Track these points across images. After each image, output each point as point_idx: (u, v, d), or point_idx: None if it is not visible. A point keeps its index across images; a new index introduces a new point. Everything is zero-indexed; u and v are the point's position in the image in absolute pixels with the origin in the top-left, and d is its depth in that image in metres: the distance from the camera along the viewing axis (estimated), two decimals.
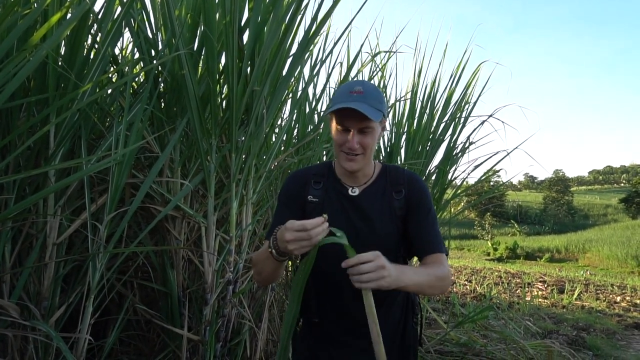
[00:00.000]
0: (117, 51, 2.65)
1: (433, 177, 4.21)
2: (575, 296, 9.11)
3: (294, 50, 2.53)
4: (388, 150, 4.08)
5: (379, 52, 4.02)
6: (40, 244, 1.94)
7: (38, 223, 1.99)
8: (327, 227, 1.14)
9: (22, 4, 1.70)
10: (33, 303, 1.92)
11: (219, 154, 2.38)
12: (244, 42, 2.30)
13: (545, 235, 38.71)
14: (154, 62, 2.32)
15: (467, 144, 4.25)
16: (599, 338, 5.48)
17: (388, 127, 4.14)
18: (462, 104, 4.18)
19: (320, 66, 3.20)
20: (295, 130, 3.33)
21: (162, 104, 2.48)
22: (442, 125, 4.12)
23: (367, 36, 3.81)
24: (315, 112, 3.46)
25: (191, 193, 2.48)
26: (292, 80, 2.82)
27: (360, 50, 3.66)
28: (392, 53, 4.02)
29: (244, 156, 2.44)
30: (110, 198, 2.00)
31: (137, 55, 2.50)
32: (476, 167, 4.25)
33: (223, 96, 2.55)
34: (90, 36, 2.07)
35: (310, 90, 3.41)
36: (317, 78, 3.41)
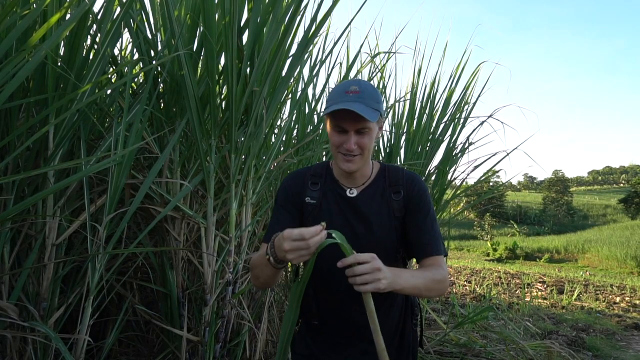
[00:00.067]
0: (116, 52, 2.65)
1: (433, 178, 4.21)
2: (574, 297, 9.12)
3: (293, 50, 2.53)
4: (388, 150, 4.08)
5: (379, 53, 4.03)
6: (40, 244, 1.93)
7: (37, 224, 1.98)
8: (325, 235, 1.12)
9: (21, 4, 1.70)
10: (32, 304, 1.92)
11: (219, 155, 2.38)
12: (244, 42, 2.30)
13: (545, 235, 38.73)
14: (154, 62, 2.31)
15: (467, 145, 4.25)
16: (598, 338, 5.48)
17: (387, 127, 4.14)
18: (462, 105, 4.18)
19: (320, 67, 3.21)
20: (295, 131, 3.32)
21: (162, 105, 2.48)
22: (442, 125, 4.12)
23: (366, 37, 3.81)
24: (315, 113, 3.46)
25: (191, 194, 2.48)
26: (291, 80, 2.82)
27: (359, 50, 3.66)
28: (391, 53, 4.02)
29: (243, 157, 2.44)
30: (110, 199, 2.00)
31: (136, 56, 2.50)
32: (476, 167, 4.24)
33: (222, 97, 2.54)
34: (89, 37, 2.07)
35: (310, 90, 3.41)
36: (317, 78, 3.41)
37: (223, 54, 2.22)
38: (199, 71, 2.47)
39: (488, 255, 28.99)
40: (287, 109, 3.25)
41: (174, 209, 2.33)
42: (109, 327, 2.52)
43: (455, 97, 4.17)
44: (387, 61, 4.11)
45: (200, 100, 2.22)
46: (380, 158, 4.06)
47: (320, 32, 2.78)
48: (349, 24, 2.68)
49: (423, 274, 1.32)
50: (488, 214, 41.58)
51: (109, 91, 2.36)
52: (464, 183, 4.54)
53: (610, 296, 9.89)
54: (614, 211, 52.71)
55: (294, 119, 3.20)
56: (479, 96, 4.25)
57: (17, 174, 1.87)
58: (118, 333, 2.31)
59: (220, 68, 2.36)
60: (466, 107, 4.23)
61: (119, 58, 2.75)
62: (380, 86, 4.12)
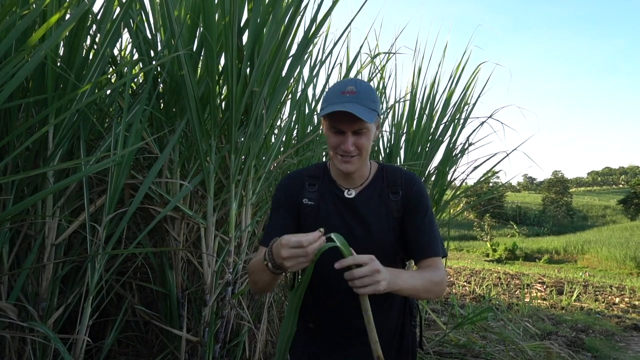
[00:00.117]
0: (116, 52, 2.64)
1: (432, 178, 4.21)
2: (574, 297, 9.12)
3: (293, 51, 2.53)
4: (388, 151, 4.08)
5: (379, 53, 4.03)
6: (39, 244, 1.93)
7: (36, 224, 1.98)
8: (324, 241, 1.11)
9: (20, 4, 1.70)
10: (31, 304, 1.92)
11: (219, 155, 2.38)
12: (244, 42, 2.30)
13: (544, 236, 38.73)
14: (153, 62, 2.31)
15: (467, 145, 4.25)
16: (597, 339, 5.48)
17: (387, 128, 4.14)
18: (462, 105, 4.18)
19: (320, 67, 3.21)
20: (295, 131, 3.32)
21: (162, 105, 2.47)
22: (442, 126, 4.12)
23: (366, 37, 3.81)
24: (315, 113, 3.46)
25: (190, 194, 2.48)
26: (291, 81, 2.81)
27: (359, 51, 3.66)
28: (391, 54, 4.02)
29: (243, 157, 2.44)
30: (109, 199, 2.00)
31: (136, 56, 2.50)
32: (475, 168, 4.25)
33: (222, 97, 2.54)
34: (89, 37, 2.07)
35: (310, 91, 3.41)
36: (317, 79, 3.41)
37: (223, 54, 2.22)
38: (199, 71, 2.47)
39: (488, 255, 28.98)
40: (287, 109, 3.25)
41: (174, 209, 2.32)
42: (108, 328, 2.52)
43: (455, 98, 4.18)
44: (387, 62, 4.11)
45: (200, 100, 2.22)
46: (380, 158, 4.06)
47: (320, 32, 2.78)
48: (349, 24, 2.68)
49: (421, 275, 1.31)
50: (488, 214, 41.59)
51: (108, 91, 2.36)
52: (464, 184, 4.55)
53: (609, 297, 9.90)
54: (613, 212, 52.74)
55: (293, 119, 3.20)
56: (478, 97, 4.25)
57: (17, 174, 1.87)
58: (117, 333, 2.30)
59: (220, 68, 2.36)
60: (466, 107, 4.23)
61: (118, 58, 2.75)
62: (380, 87, 4.12)
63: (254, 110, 2.32)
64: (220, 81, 2.43)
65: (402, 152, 4.08)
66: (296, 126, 3.30)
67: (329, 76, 3.49)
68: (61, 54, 1.97)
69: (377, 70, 4.06)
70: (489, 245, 30.62)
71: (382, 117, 1.44)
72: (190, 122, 2.21)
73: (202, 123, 2.22)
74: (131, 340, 2.69)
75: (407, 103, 4.16)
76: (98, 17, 2.04)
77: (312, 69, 3.23)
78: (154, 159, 2.38)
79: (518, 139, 3.89)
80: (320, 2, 2.36)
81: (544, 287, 11.01)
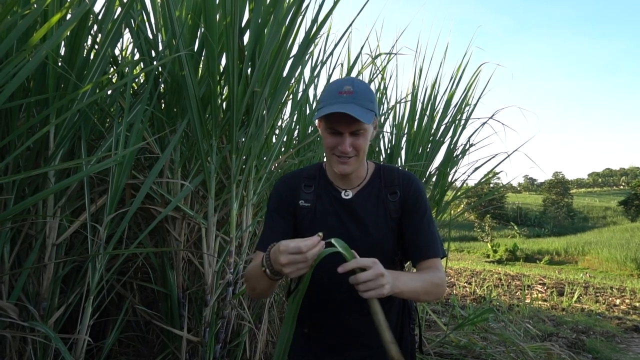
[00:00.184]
0: (117, 52, 2.65)
1: (433, 179, 4.21)
2: (574, 299, 9.11)
3: (294, 51, 2.53)
4: (389, 152, 4.08)
5: (380, 54, 4.03)
6: (40, 244, 1.93)
7: (37, 223, 1.98)
8: (323, 246, 1.08)
9: (22, 4, 1.70)
10: (32, 304, 1.92)
11: (220, 155, 2.38)
12: (245, 43, 2.30)
13: (545, 237, 38.71)
14: (155, 63, 2.31)
15: (468, 146, 4.25)
16: (598, 341, 5.47)
17: (388, 129, 4.14)
18: (463, 106, 4.18)
19: (321, 67, 3.21)
20: (296, 132, 3.32)
21: (163, 105, 2.48)
22: (443, 127, 4.12)
23: (367, 38, 3.83)
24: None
25: (191, 194, 2.48)
26: (292, 81, 2.81)
27: (360, 52, 3.66)
28: (392, 55, 4.02)
29: (244, 157, 2.44)
30: (110, 199, 2.00)
31: (137, 56, 2.50)
32: (476, 169, 4.24)
33: (223, 97, 2.54)
34: (90, 37, 2.07)
35: (311, 91, 3.41)
36: (318, 79, 3.41)
37: (224, 54, 2.22)
38: (200, 72, 2.47)
39: (488, 256, 28.98)
40: (288, 109, 3.25)
41: (175, 209, 2.32)
42: (109, 327, 2.52)
43: (456, 99, 4.17)
44: (388, 62, 4.11)
45: (201, 100, 2.22)
46: (381, 159, 4.06)
47: (321, 33, 2.78)
48: (350, 25, 2.68)
49: (421, 277, 1.29)
50: (488, 215, 41.60)
51: (109, 91, 2.36)
52: (465, 185, 4.54)
53: (610, 298, 9.89)
54: (614, 213, 52.70)
55: (295, 119, 3.20)
56: (479, 97, 4.25)
57: (18, 173, 1.87)
58: (118, 333, 2.30)
59: (222, 69, 2.36)
60: (467, 108, 4.23)
61: (119, 58, 2.75)
62: (381, 87, 4.13)
63: (255, 110, 2.32)
64: (222, 81, 2.43)
65: (403, 153, 4.08)
66: (297, 126, 3.30)
67: (330, 77, 3.49)
68: (62, 54, 1.98)
69: (378, 71, 4.06)
70: (490, 246, 30.62)
71: (379, 116, 1.42)
72: (192, 122, 2.21)
73: (203, 123, 2.22)
74: (132, 340, 2.69)
75: (408, 104, 4.15)
76: (99, 17, 2.04)
77: (313, 69, 3.23)
78: (155, 159, 2.38)
79: (519, 140, 3.88)
80: (322, 3, 2.36)
81: (545, 288, 11.00)
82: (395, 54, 4.00)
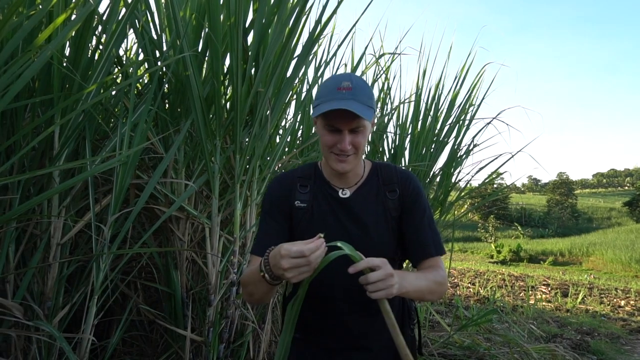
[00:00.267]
0: (121, 52, 2.65)
1: (437, 179, 4.20)
2: (579, 300, 9.07)
3: (298, 51, 2.53)
4: (392, 152, 4.08)
5: (384, 54, 4.02)
6: (45, 244, 1.94)
7: (42, 223, 1.99)
8: (325, 249, 1.05)
9: (27, 4, 1.71)
10: (37, 303, 1.93)
11: (223, 155, 2.38)
12: (249, 43, 2.30)
13: (549, 238, 38.61)
14: (159, 63, 2.32)
15: (471, 146, 4.24)
16: (603, 342, 5.44)
17: (392, 129, 4.13)
18: (466, 106, 4.17)
19: (325, 68, 3.21)
20: (300, 132, 3.33)
21: (167, 105, 2.48)
22: (447, 127, 4.11)
23: (371, 38, 3.81)
24: None
25: (195, 194, 2.48)
26: (296, 81, 2.82)
27: (364, 52, 3.66)
28: (396, 55, 4.01)
29: (248, 157, 2.44)
30: (115, 199, 2.01)
31: (141, 56, 2.51)
32: (480, 169, 4.24)
33: (227, 97, 2.55)
34: (95, 37, 2.08)
35: (315, 91, 3.41)
36: (322, 79, 3.41)
37: (228, 54, 2.22)
38: (204, 72, 2.48)
39: (492, 257, 28.92)
40: (291, 109, 3.26)
41: (179, 209, 2.33)
42: (113, 327, 2.53)
43: (460, 99, 4.16)
44: (391, 62, 4.10)
45: (205, 100, 2.23)
46: (385, 160, 4.05)
47: (325, 33, 2.78)
48: (354, 25, 2.68)
49: (425, 277, 1.28)
50: (492, 216, 41.48)
51: (114, 92, 2.37)
52: (469, 185, 4.53)
53: (615, 300, 9.84)
54: (619, 214, 52.47)
55: (298, 119, 3.20)
56: (483, 98, 4.24)
57: (23, 173, 1.88)
58: (122, 333, 2.31)
59: (225, 69, 2.36)
60: (471, 108, 4.22)
61: (124, 59, 2.76)
62: (385, 87, 4.12)
63: (258, 110, 2.32)
64: (226, 82, 2.44)
65: (406, 153, 4.07)
66: (301, 127, 3.31)
67: None
68: (67, 54, 1.98)
69: (382, 71, 4.05)
70: (494, 247, 30.56)
71: (377, 114, 1.39)
72: (195, 123, 2.21)
73: (207, 123, 2.23)
74: (136, 340, 2.70)
75: (412, 104, 4.15)
76: (104, 18, 2.05)
77: (317, 69, 3.24)
78: (159, 159, 2.39)
79: (523, 140, 3.88)
80: (325, 4, 2.36)
81: (549, 289, 10.95)
82: (399, 54, 3.99)
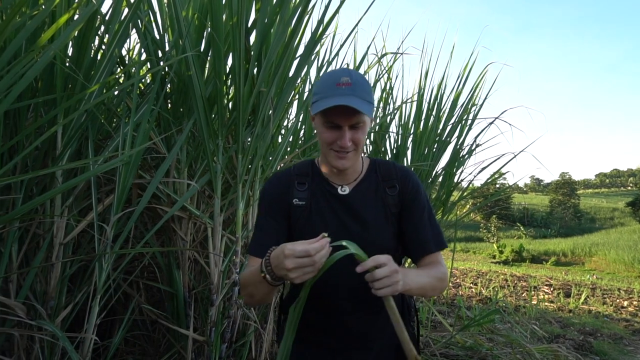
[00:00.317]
0: (124, 52, 2.66)
1: (439, 179, 4.19)
2: (581, 300, 9.05)
3: (300, 51, 2.53)
4: (395, 152, 4.08)
5: (386, 54, 4.02)
6: (47, 244, 1.94)
7: (45, 223, 1.99)
8: (330, 249, 1.04)
9: (30, 4, 1.71)
10: (39, 303, 1.93)
11: (226, 155, 2.38)
12: (251, 43, 2.30)
13: (552, 238, 38.55)
14: (161, 63, 2.32)
15: (474, 146, 4.24)
16: (606, 343, 5.42)
17: (394, 129, 4.13)
18: (469, 106, 4.17)
19: (327, 67, 3.21)
20: (302, 131, 3.32)
21: (169, 105, 2.48)
22: (449, 127, 4.11)
23: (373, 38, 3.80)
24: None
25: (197, 194, 2.48)
26: (298, 81, 2.82)
27: (367, 51, 3.67)
28: (398, 54, 4.01)
29: (250, 157, 2.44)
30: (117, 198, 2.01)
31: (144, 56, 2.51)
32: (483, 169, 4.23)
33: (230, 97, 2.55)
34: (97, 37, 2.08)
35: None
36: None
37: (230, 54, 2.22)
38: (206, 72, 2.48)
39: (494, 257, 28.88)
40: (294, 109, 3.25)
41: (181, 209, 2.33)
42: (115, 326, 2.53)
43: (462, 99, 4.15)
44: (394, 62, 4.10)
45: (207, 100, 2.23)
46: (387, 159, 4.04)
47: (327, 33, 2.78)
48: (356, 25, 2.68)
49: (427, 273, 1.27)
50: (494, 216, 41.44)
51: (116, 91, 2.37)
52: (471, 185, 4.53)
53: (617, 300, 9.81)
54: (622, 214, 52.34)
55: (300, 119, 3.20)
56: (486, 97, 4.23)
57: (26, 173, 1.89)
58: (124, 332, 2.31)
59: (228, 69, 2.36)
60: (473, 108, 4.21)
61: (126, 58, 2.76)
62: (387, 87, 4.12)
63: (261, 110, 2.32)
64: (228, 81, 2.44)
65: (409, 153, 4.07)
66: (303, 126, 3.31)
67: None
68: (70, 54, 1.99)
69: (384, 71, 4.05)
70: (496, 247, 30.52)
71: (379, 113, 1.39)
72: (198, 122, 2.21)
73: (210, 123, 2.23)
74: (138, 339, 2.70)
75: (415, 104, 4.14)
76: (106, 18, 2.05)
77: (319, 69, 3.23)
78: (161, 158, 2.39)
79: (525, 140, 3.86)
80: (328, 3, 2.36)
81: (551, 289, 10.93)
82: (402, 53, 3.99)
